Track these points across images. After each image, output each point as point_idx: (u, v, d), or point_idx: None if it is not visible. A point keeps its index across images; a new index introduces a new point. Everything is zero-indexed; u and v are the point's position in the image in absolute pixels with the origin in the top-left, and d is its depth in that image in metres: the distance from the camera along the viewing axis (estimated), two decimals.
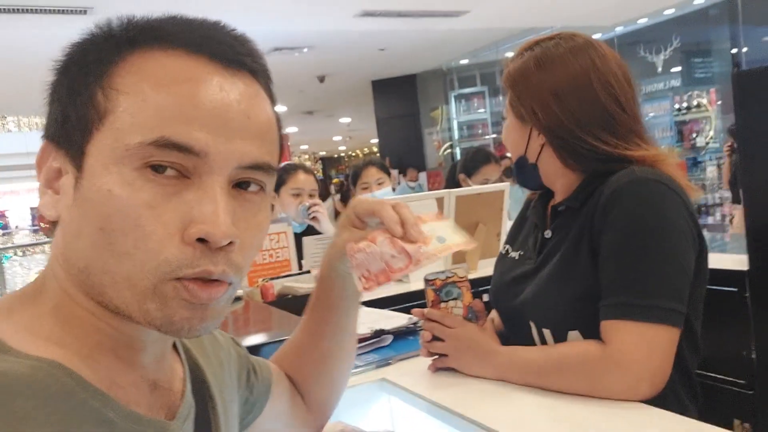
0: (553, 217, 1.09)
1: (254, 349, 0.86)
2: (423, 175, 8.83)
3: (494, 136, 8.49)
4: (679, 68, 6.88)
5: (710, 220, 5.55)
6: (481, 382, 1.02)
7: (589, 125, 0.99)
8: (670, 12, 6.81)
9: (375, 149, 15.51)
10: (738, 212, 4.06)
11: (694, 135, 6.71)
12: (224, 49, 0.49)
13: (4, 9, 4.43)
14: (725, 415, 1.45)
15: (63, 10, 4.58)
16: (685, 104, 6.80)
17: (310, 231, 2.46)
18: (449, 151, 9.04)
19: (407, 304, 1.53)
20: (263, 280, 1.72)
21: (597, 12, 6.50)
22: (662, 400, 0.88)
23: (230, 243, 0.47)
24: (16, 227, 8.16)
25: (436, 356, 1.09)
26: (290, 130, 13.62)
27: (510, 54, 1.17)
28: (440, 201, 1.83)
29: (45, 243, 6.27)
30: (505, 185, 2.06)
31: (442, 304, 1.09)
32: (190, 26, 0.50)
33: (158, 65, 0.47)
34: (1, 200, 9.06)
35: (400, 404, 1.07)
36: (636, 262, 0.91)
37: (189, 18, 0.51)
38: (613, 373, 0.88)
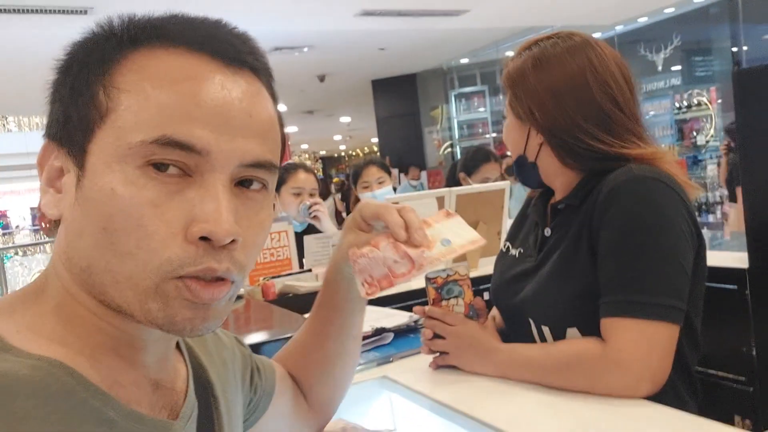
0: (552, 215, 1.09)
1: (256, 348, 0.86)
2: (423, 174, 8.83)
3: (494, 135, 8.49)
4: (679, 67, 6.87)
5: (711, 218, 5.55)
6: (482, 380, 1.02)
7: (586, 124, 0.99)
8: (670, 10, 6.81)
9: (375, 148, 15.51)
10: (733, 210, 4.06)
11: (695, 133, 6.71)
12: (226, 47, 0.49)
13: (5, 9, 4.43)
14: (726, 411, 1.45)
15: (64, 11, 4.58)
16: (685, 103, 6.79)
17: (311, 230, 2.46)
18: (449, 150, 9.04)
19: (408, 302, 1.53)
20: (264, 278, 1.72)
21: (597, 11, 6.50)
22: (662, 396, 0.88)
23: (233, 241, 0.47)
24: (17, 227, 8.17)
25: (437, 354, 1.09)
26: (290, 129, 13.61)
27: (510, 53, 1.17)
28: (441, 200, 1.84)
29: (45, 243, 6.27)
30: (506, 184, 2.06)
31: (443, 302, 1.09)
32: (191, 25, 0.50)
33: (160, 64, 0.47)
34: (2, 200, 9.06)
35: (401, 401, 1.08)
36: (635, 260, 0.91)
37: (190, 17, 0.51)
38: (614, 372, 0.88)
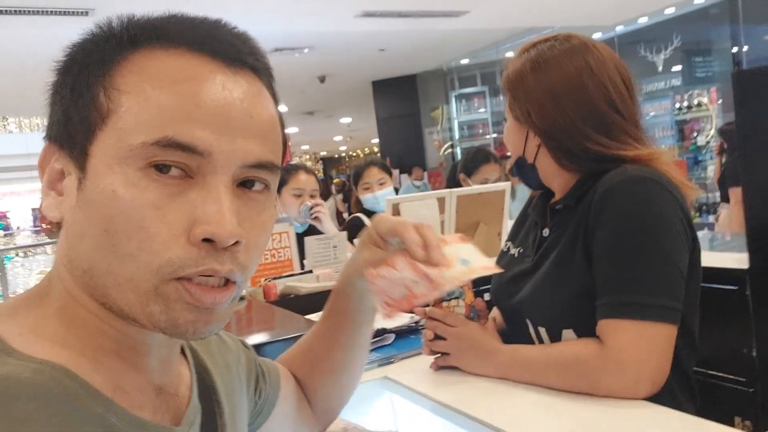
0: (551, 215, 1.10)
1: (258, 349, 0.87)
2: (426, 175, 8.83)
3: (495, 135, 8.49)
4: (679, 67, 6.87)
5: (711, 218, 5.54)
6: (483, 381, 1.02)
7: (583, 127, 1.00)
8: (670, 11, 6.80)
9: (376, 149, 15.52)
10: (725, 210, 4.06)
11: (695, 134, 6.71)
12: (226, 47, 0.49)
13: (5, 10, 4.43)
14: (726, 412, 1.45)
15: (64, 12, 4.58)
16: (685, 103, 6.79)
17: (312, 231, 2.47)
18: (450, 150, 9.05)
19: None
20: (266, 279, 1.73)
21: (597, 11, 6.50)
22: (658, 399, 0.89)
23: (236, 243, 0.46)
24: (18, 228, 8.17)
25: (438, 355, 1.10)
26: (291, 130, 13.62)
27: (510, 54, 1.18)
28: (441, 200, 1.84)
29: (46, 244, 6.26)
30: (507, 185, 2.06)
31: (444, 303, 1.09)
32: (191, 25, 0.49)
33: (160, 64, 0.47)
34: (3, 201, 9.07)
35: (402, 402, 1.08)
36: (631, 261, 0.91)
37: (190, 17, 0.51)
38: (613, 373, 0.89)
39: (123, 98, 0.46)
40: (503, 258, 1.20)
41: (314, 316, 1.47)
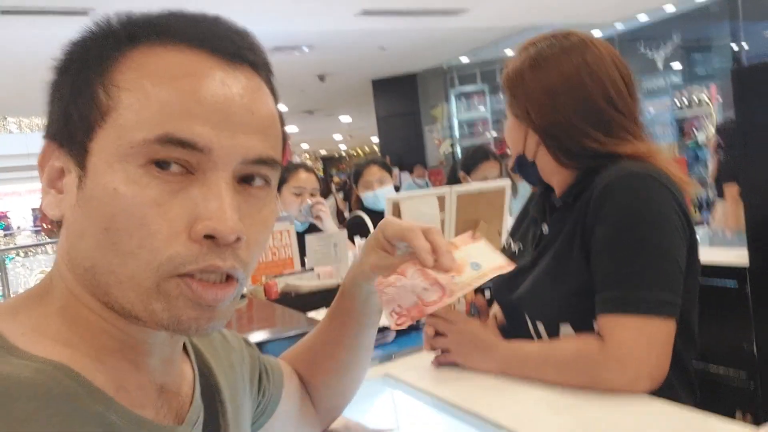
0: (550, 212, 1.10)
1: (259, 347, 0.86)
2: (425, 173, 8.83)
3: (495, 133, 8.48)
4: (679, 65, 6.87)
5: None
6: (484, 377, 1.02)
7: (582, 124, 1.00)
8: (670, 8, 6.80)
9: (375, 148, 15.51)
10: (720, 207, 4.06)
11: (695, 131, 6.70)
12: (225, 43, 0.49)
13: (5, 10, 4.43)
14: (727, 406, 1.46)
15: (64, 12, 4.58)
16: (685, 100, 6.78)
17: (312, 229, 2.47)
18: (450, 149, 9.04)
19: None
20: (266, 278, 1.73)
21: (597, 9, 6.50)
22: (658, 393, 0.89)
23: (237, 239, 0.46)
24: (18, 228, 8.17)
25: (439, 351, 1.10)
26: (291, 129, 13.62)
27: (510, 52, 1.18)
28: (441, 198, 1.84)
29: (47, 243, 6.27)
30: (506, 182, 2.06)
31: None
32: (189, 21, 0.49)
33: (159, 61, 0.47)
34: (3, 201, 9.07)
35: (403, 399, 1.08)
36: (629, 256, 0.91)
37: (188, 13, 0.50)
38: (613, 368, 0.89)
39: (122, 95, 0.46)
40: (504, 254, 1.20)
41: (315, 314, 1.47)
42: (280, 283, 1.68)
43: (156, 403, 0.51)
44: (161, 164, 0.45)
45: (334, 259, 1.96)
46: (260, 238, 0.50)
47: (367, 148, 20.52)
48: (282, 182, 2.54)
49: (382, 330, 1.28)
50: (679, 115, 6.82)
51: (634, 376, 0.88)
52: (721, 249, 1.89)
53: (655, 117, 6.81)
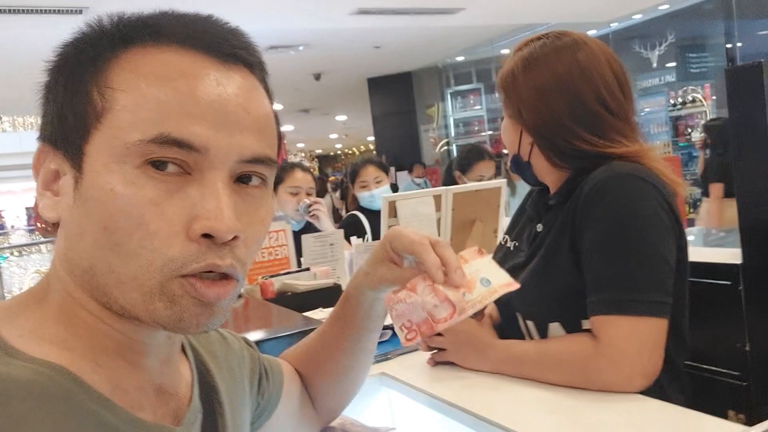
0: (545, 211, 1.11)
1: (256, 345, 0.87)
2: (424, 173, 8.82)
3: (490, 132, 8.49)
4: (674, 63, 6.89)
5: None
6: (479, 376, 1.03)
7: (573, 125, 1.00)
8: (664, 7, 6.82)
9: (371, 147, 15.50)
10: (705, 205, 4.09)
11: (689, 130, 6.73)
12: (219, 42, 0.49)
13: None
14: (720, 405, 1.47)
15: (58, 10, 4.56)
16: (680, 99, 6.81)
17: (308, 229, 2.47)
18: (446, 148, 9.05)
19: None
20: (263, 277, 1.73)
21: (592, 8, 6.51)
22: (647, 393, 0.89)
23: (235, 237, 0.46)
24: (12, 227, 8.13)
25: (435, 350, 1.11)
26: (286, 128, 13.58)
27: (505, 51, 1.19)
28: (438, 198, 1.84)
29: (41, 243, 6.25)
30: (502, 182, 2.07)
31: None
32: (183, 21, 0.49)
33: (153, 61, 0.47)
34: None
35: (399, 398, 1.09)
36: (620, 257, 0.92)
37: (181, 13, 0.50)
38: (607, 368, 0.90)
39: (118, 96, 0.46)
40: (500, 251, 1.21)
41: (311, 314, 1.48)
42: (277, 283, 1.68)
43: (154, 404, 0.51)
44: (158, 164, 0.45)
45: (331, 258, 1.96)
46: (257, 236, 0.51)
47: (363, 147, 20.51)
48: (278, 182, 2.54)
49: None
50: (673, 114, 6.84)
51: (628, 375, 0.89)
52: (714, 248, 1.90)
53: (650, 116, 6.84)
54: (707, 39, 7.10)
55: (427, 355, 1.12)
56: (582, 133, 1.00)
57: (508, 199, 3.29)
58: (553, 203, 1.07)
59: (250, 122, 0.48)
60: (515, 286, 0.72)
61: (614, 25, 7.26)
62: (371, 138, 11.67)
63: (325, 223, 2.47)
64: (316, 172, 16.43)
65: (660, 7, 6.83)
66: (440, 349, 1.09)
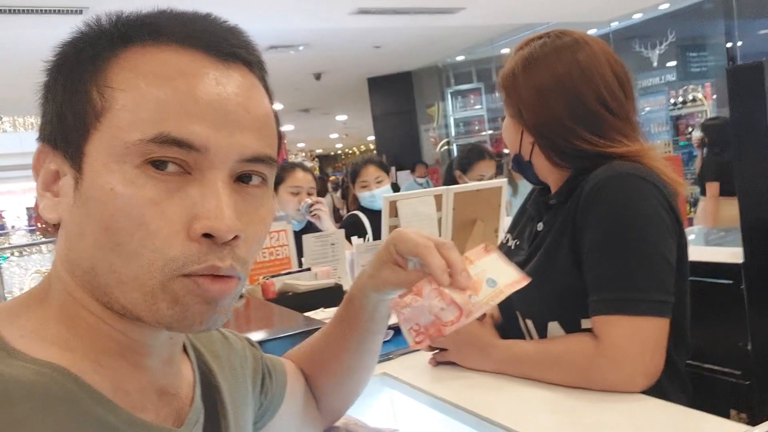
0: (546, 210, 1.11)
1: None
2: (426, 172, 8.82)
3: (491, 132, 8.49)
4: (674, 63, 6.89)
5: None
6: (481, 376, 1.03)
7: (573, 125, 1.00)
8: (665, 7, 6.82)
9: (372, 146, 15.51)
10: (701, 204, 4.09)
11: (690, 129, 6.73)
12: (218, 41, 0.48)
13: None
14: (722, 405, 1.47)
15: (58, 10, 4.56)
16: (680, 98, 6.81)
17: (309, 228, 2.47)
18: (446, 147, 9.05)
19: None
20: (264, 277, 1.73)
21: (592, 7, 6.51)
22: (648, 393, 0.89)
23: (235, 237, 0.46)
24: (13, 227, 8.13)
25: (437, 350, 1.10)
26: (287, 128, 13.59)
27: (506, 50, 1.19)
28: (439, 198, 1.84)
29: (42, 243, 6.25)
30: (503, 181, 2.07)
31: None
32: (182, 20, 0.49)
33: (153, 61, 0.46)
34: None
35: (401, 398, 1.08)
36: (621, 257, 0.92)
37: (180, 12, 0.50)
38: (609, 368, 0.90)
39: (117, 96, 0.46)
40: (501, 249, 1.21)
41: (313, 314, 1.48)
42: (278, 283, 1.68)
43: (156, 405, 0.51)
44: (158, 164, 0.45)
45: (332, 258, 1.96)
46: (258, 236, 0.50)
47: (363, 147, 20.51)
48: (279, 181, 2.54)
49: None
50: (674, 113, 6.84)
51: (630, 374, 0.89)
52: (716, 247, 1.90)
53: (650, 115, 6.83)
54: (707, 38, 7.10)
55: (429, 355, 1.12)
56: (582, 133, 1.00)
57: (510, 198, 3.29)
58: (554, 202, 1.07)
59: (250, 121, 0.48)
60: (524, 282, 0.71)
61: (614, 25, 7.26)
62: (371, 138, 11.68)
63: (327, 222, 2.47)
64: (317, 172, 16.45)
65: (660, 7, 6.83)
66: (442, 349, 1.09)
